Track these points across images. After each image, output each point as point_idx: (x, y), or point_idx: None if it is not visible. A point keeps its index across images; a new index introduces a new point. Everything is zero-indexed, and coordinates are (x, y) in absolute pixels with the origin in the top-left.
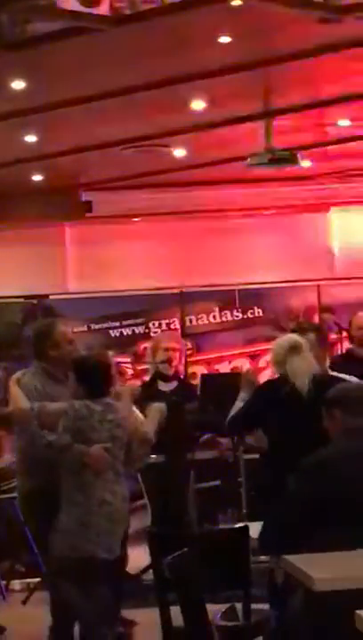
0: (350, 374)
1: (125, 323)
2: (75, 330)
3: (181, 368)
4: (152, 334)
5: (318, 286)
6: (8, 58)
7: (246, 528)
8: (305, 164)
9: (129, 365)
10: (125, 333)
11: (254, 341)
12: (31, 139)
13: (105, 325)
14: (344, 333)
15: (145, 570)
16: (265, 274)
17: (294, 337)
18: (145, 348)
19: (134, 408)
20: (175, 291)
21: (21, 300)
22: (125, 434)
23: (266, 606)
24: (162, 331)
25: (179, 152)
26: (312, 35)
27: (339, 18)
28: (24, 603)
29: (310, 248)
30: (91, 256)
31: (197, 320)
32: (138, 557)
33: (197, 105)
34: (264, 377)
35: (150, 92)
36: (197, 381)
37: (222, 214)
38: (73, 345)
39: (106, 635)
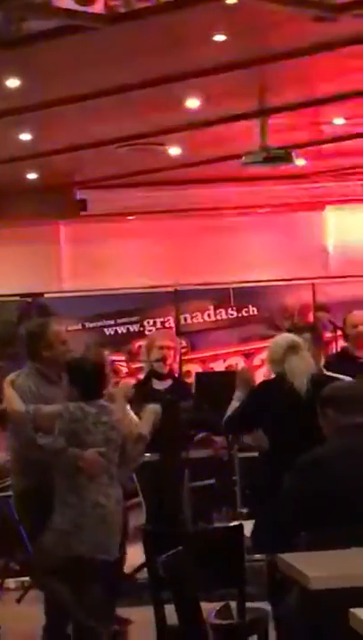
0: (344, 373)
1: (119, 321)
2: (69, 328)
3: (176, 366)
4: (147, 332)
5: (313, 285)
6: (3, 56)
7: (240, 526)
8: (300, 162)
9: (124, 364)
10: (119, 332)
11: (248, 340)
12: (26, 137)
13: (100, 324)
14: (339, 332)
15: (139, 568)
16: (260, 272)
17: (293, 336)
18: (140, 347)
19: (129, 409)
20: (170, 289)
21: (17, 298)
22: (120, 436)
23: (260, 604)
24: (157, 329)
25: (174, 150)
26: (307, 33)
27: (334, 16)
28: (18, 601)
29: (305, 246)
30: (85, 254)
31: (192, 318)
32: (132, 556)
33: (192, 103)
34: (259, 375)
35: (145, 90)
36: (191, 380)
37: (217, 213)
38: (66, 345)
39: (100, 634)
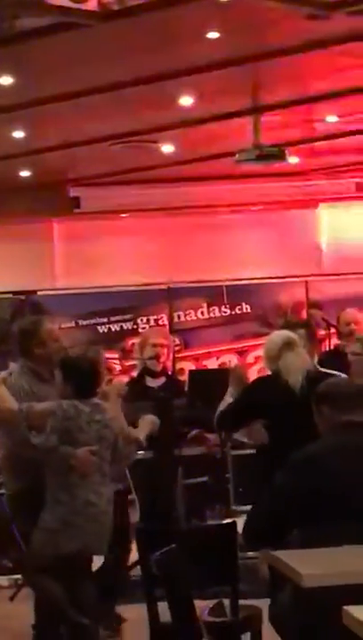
0: (337, 370)
1: (112, 319)
2: (62, 326)
3: (169, 364)
4: (140, 330)
5: (307, 282)
6: None
7: (233, 524)
8: (293, 160)
9: (117, 361)
10: (112, 329)
11: (241, 337)
12: (19, 134)
13: (93, 321)
14: (332, 329)
15: (133, 565)
16: (253, 270)
17: (288, 333)
18: (133, 344)
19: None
20: (163, 287)
21: (10, 295)
22: (113, 434)
23: (254, 602)
24: (150, 327)
25: (167, 148)
26: (301, 31)
27: (327, 14)
28: (11, 599)
29: (299, 244)
30: (79, 252)
31: (185, 316)
32: None
33: (186, 101)
34: (252, 373)
35: (139, 87)
36: (185, 377)
37: (211, 210)
38: (59, 343)
39: (94, 632)
